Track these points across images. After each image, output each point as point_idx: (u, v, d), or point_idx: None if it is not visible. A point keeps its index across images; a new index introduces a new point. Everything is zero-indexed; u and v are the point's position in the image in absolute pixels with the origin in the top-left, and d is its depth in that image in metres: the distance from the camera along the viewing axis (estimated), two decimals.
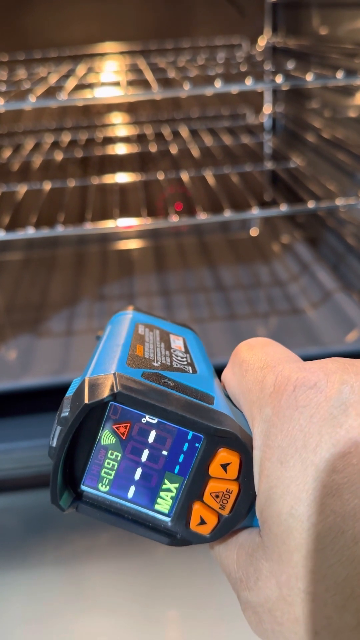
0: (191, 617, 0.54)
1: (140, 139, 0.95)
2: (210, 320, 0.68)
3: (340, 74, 0.55)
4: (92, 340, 0.62)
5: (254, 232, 0.93)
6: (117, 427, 0.19)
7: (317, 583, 0.16)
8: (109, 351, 0.22)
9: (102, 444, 0.19)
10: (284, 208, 0.63)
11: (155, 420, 0.19)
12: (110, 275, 0.82)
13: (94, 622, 0.54)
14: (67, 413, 0.19)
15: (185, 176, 0.80)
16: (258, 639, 0.19)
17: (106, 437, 0.19)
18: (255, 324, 0.67)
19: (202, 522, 0.20)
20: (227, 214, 0.62)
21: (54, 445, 0.19)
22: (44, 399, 0.57)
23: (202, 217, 0.62)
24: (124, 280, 0.80)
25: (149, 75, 0.61)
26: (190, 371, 0.22)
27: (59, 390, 0.48)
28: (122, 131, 0.96)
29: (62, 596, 0.56)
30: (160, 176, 0.85)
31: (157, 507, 0.20)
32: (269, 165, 0.93)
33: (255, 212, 0.63)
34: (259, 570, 0.18)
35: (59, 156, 0.92)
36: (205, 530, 0.20)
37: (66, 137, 0.95)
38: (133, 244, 0.91)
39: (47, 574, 0.58)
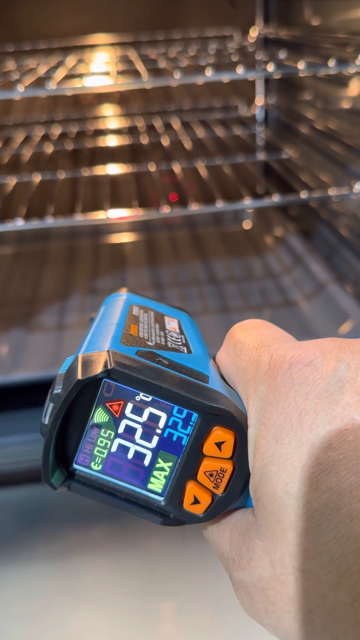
0: (186, 611, 0.54)
1: (132, 131, 0.94)
2: (204, 313, 0.68)
3: (332, 63, 0.54)
4: (84, 334, 0.61)
5: (246, 224, 0.93)
6: (110, 405, 0.19)
7: (312, 561, 0.16)
8: (103, 330, 0.22)
9: (95, 422, 0.19)
10: (276, 199, 0.63)
11: (149, 398, 0.19)
12: (102, 268, 0.82)
13: (87, 617, 0.54)
14: (60, 390, 0.18)
15: (177, 168, 0.79)
16: (252, 628, 0.19)
17: (99, 415, 0.19)
18: (248, 317, 0.67)
19: (196, 501, 0.19)
20: (220, 205, 0.62)
21: (46, 422, 0.18)
22: (35, 393, 0.56)
23: (194, 207, 0.61)
24: (116, 274, 0.79)
25: (139, 66, 0.60)
26: (185, 351, 0.22)
27: (51, 385, 0.47)
28: (114, 123, 0.96)
29: (55, 591, 0.56)
30: (152, 168, 0.84)
31: (150, 486, 0.20)
32: (261, 156, 0.92)
33: (248, 202, 0.62)
34: (252, 549, 0.17)
35: (49, 149, 0.91)
36: (198, 510, 0.20)
37: (57, 130, 0.94)
38: (125, 237, 0.91)
39: (39, 569, 0.57)
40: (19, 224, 0.60)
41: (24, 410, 0.55)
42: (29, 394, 0.56)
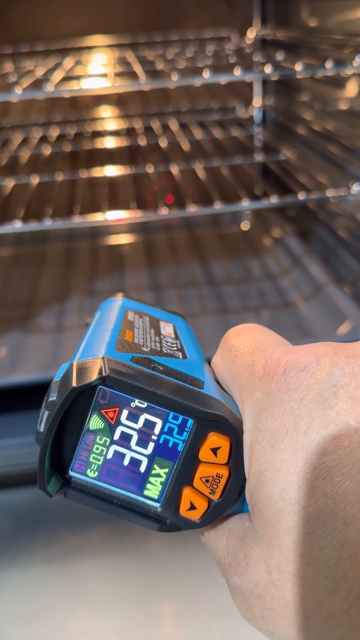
0: (185, 613, 0.54)
1: (130, 132, 0.94)
2: (202, 315, 0.68)
3: (329, 64, 0.54)
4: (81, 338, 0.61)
5: (244, 226, 0.93)
6: (105, 412, 0.19)
7: (308, 567, 0.16)
8: (98, 336, 0.22)
9: (91, 429, 0.19)
10: (274, 200, 0.63)
11: (144, 405, 0.19)
12: (101, 270, 0.82)
13: (86, 620, 0.54)
14: (55, 397, 0.18)
15: (175, 169, 0.79)
16: (251, 631, 0.19)
17: (95, 422, 0.19)
18: (246, 318, 0.67)
19: (192, 507, 0.19)
20: (218, 207, 0.62)
21: (42, 430, 0.18)
22: (34, 396, 0.56)
23: (192, 209, 0.61)
24: (115, 276, 0.79)
25: (137, 67, 0.60)
26: (181, 357, 0.22)
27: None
28: (111, 125, 0.96)
29: (54, 594, 0.56)
30: (150, 169, 0.84)
31: (146, 492, 0.20)
32: (259, 158, 0.93)
33: (246, 204, 0.62)
34: (249, 555, 0.17)
35: (47, 150, 0.91)
36: (195, 516, 0.20)
37: (54, 132, 0.94)
38: (123, 239, 0.91)
39: (38, 572, 0.57)
40: (17, 225, 0.60)
41: (23, 413, 0.55)
42: (28, 396, 0.56)
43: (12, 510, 0.63)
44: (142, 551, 0.59)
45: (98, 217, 0.62)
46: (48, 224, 0.61)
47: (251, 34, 0.89)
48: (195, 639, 0.52)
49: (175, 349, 0.23)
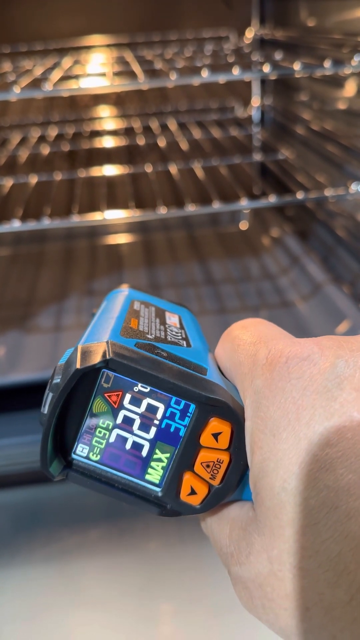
0: (184, 612, 0.54)
1: (128, 132, 0.95)
2: (201, 314, 0.68)
3: (327, 63, 0.55)
4: (81, 335, 0.61)
5: (243, 225, 0.93)
6: (109, 396, 0.19)
7: (309, 559, 0.15)
8: (103, 323, 0.22)
9: (94, 412, 0.19)
10: (273, 199, 0.63)
11: (147, 389, 0.19)
12: (99, 270, 0.81)
13: (85, 619, 0.53)
14: (59, 379, 0.18)
15: (173, 169, 0.79)
16: (250, 629, 0.19)
17: (98, 405, 0.19)
18: (245, 318, 0.67)
19: (193, 492, 0.19)
20: (216, 206, 0.62)
21: (45, 412, 0.19)
22: (32, 395, 0.56)
23: (191, 208, 0.61)
24: (113, 275, 0.79)
25: (135, 67, 0.60)
26: (185, 345, 0.22)
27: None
28: (110, 124, 0.96)
29: (52, 593, 0.55)
30: (149, 169, 0.84)
31: (147, 477, 0.20)
32: (257, 157, 0.93)
33: (245, 203, 0.62)
34: (251, 544, 0.17)
35: (45, 150, 0.91)
36: (195, 501, 0.20)
37: (53, 131, 0.94)
38: (122, 239, 0.90)
39: (37, 571, 0.57)
40: (16, 225, 0.60)
41: (21, 412, 0.55)
42: (26, 396, 0.56)
43: (11, 509, 0.63)
44: (141, 549, 0.59)
45: (96, 217, 0.62)
46: (46, 223, 0.61)
47: (250, 34, 0.89)
48: (194, 637, 0.51)
49: (179, 337, 0.23)
